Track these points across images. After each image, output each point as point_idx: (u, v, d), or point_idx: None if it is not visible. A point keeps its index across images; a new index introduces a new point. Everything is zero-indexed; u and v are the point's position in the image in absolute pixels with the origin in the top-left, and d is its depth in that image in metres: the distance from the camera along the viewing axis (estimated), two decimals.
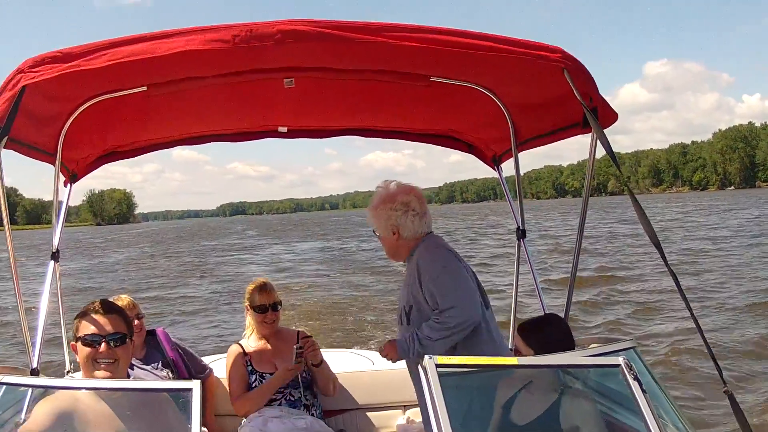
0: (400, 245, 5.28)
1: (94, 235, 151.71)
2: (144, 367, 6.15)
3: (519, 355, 4.40)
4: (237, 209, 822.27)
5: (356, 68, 4.74)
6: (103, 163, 6.52)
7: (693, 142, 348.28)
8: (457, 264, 5.09)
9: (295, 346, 6.05)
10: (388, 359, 5.34)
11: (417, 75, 4.95)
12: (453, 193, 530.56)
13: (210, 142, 6.64)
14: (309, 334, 6.42)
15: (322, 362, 6.26)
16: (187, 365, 6.48)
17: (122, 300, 6.12)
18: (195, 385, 3.26)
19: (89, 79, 4.22)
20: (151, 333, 6.49)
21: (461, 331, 4.87)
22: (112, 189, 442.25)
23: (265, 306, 6.27)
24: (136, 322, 6.02)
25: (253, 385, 6.13)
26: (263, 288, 6.32)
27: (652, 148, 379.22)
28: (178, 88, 4.81)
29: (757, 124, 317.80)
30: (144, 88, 4.74)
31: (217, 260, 50.25)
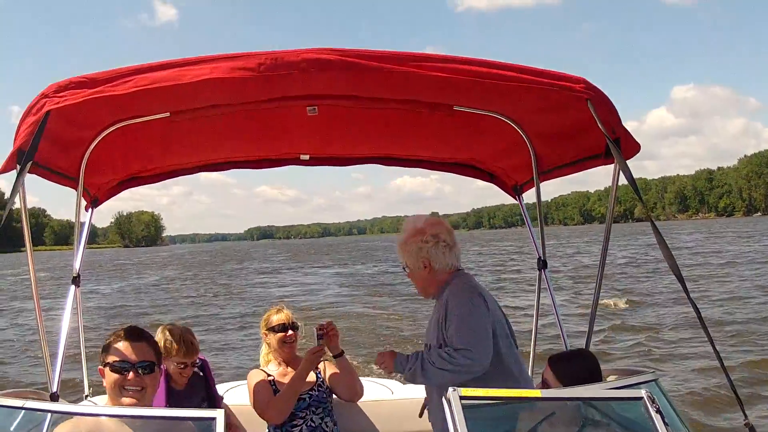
0: (431, 278, 5.16)
1: (127, 256, 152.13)
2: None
3: (546, 387, 4.38)
4: (265, 233, 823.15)
5: (380, 97, 4.73)
6: (125, 188, 6.54)
7: (719, 168, 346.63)
8: (484, 309, 4.95)
9: (315, 328, 6.04)
10: (382, 368, 5.30)
11: (440, 104, 4.95)
12: (481, 219, 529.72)
13: (232, 168, 6.65)
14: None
15: (342, 353, 6.25)
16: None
17: (184, 341, 5.80)
18: (219, 414, 3.22)
19: (113, 104, 4.26)
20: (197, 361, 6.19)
21: (466, 373, 4.76)
22: (140, 211, 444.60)
23: (285, 325, 6.26)
24: (180, 369, 5.78)
25: None
26: (280, 310, 6.35)
27: (678, 174, 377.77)
28: (201, 114, 4.83)
29: None
30: (167, 114, 4.77)
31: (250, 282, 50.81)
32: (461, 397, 3.05)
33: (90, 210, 6.26)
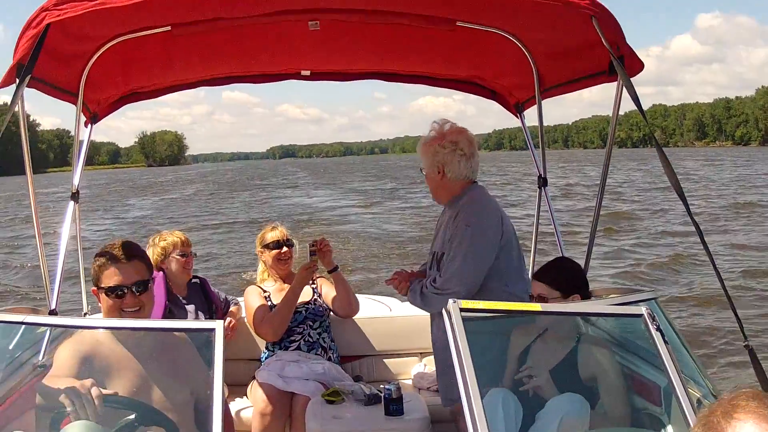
0: (443, 185, 5.16)
1: (155, 175, 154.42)
2: (188, 306, 6.10)
3: (543, 299, 4.35)
4: (287, 152, 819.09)
5: (381, 9, 4.68)
6: (125, 104, 6.49)
7: (737, 98, 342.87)
8: (491, 232, 4.96)
9: (308, 244, 6.10)
10: (397, 290, 5.37)
11: (443, 19, 4.89)
12: (502, 140, 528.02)
13: (232, 83, 6.62)
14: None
15: (337, 268, 6.31)
16: (224, 312, 6.45)
17: (176, 235, 6.16)
18: (218, 325, 3.20)
19: (114, 18, 4.22)
20: (197, 278, 6.39)
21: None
22: (163, 131, 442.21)
23: (280, 242, 6.35)
24: (183, 259, 6.04)
25: None
26: (275, 227, 6.44)
27: (697, 102, 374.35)
28: (202, 28, 4.77)
29: None
30: (168, 28, 4.72)
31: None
32: (461, 309, 3.04)
33: (89, 126, 6.19)
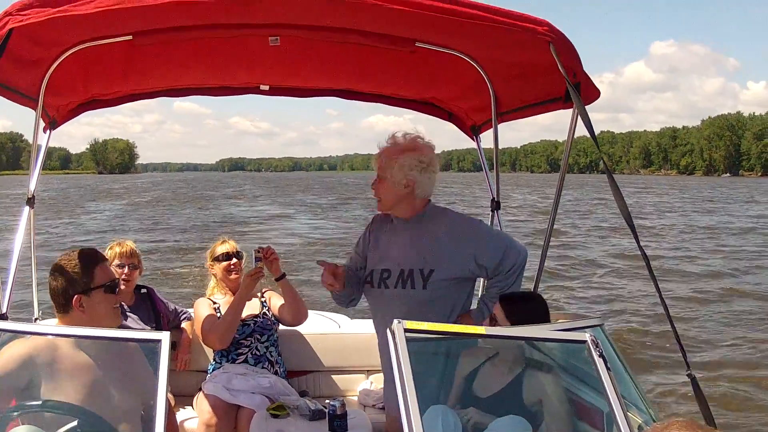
0: (407, 199, 4.95)
1: (105, 182, 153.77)
2: (132, 315, 6.13)
3: (494, 324, 4.39)
4: (236, 165, 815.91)
5: (341, 27, 4.70)
6: (84, 111, 6.49)
7: (684, 127, 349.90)
8: None
9: (253, 250, 6.04)
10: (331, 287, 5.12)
11: (402, 39, 4.93)
12: (450, 161, 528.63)
13: (192, 95, 6.63)
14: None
15: (284, 276, 6.24)
16: (170, 321, 6.49)
17: (125, 246, 6.19)
18: (164, 336, 3.22)
19: (76, 24, 4.21)
20: (144, 288, 6.45)
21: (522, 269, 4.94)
22: (115, 139, 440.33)
23: (229, 254, 6.38)
24: (120, 270, 6.03)
25: None
26: (224, 241, 6.47)
27: (645, 130, 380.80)
28: (163, 38, 4.80)
29: (745, 114, 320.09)
30: (129, 37, 4.73)
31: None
32: (405, 330, 3.06)
33: (48, 132, 6.19)
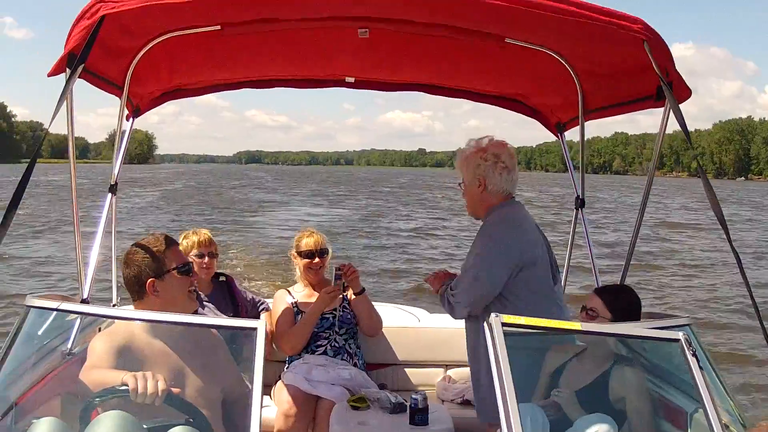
0: (482, 198, 5.06)
1: (130, 171, 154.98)
2: (209, 304, 6.13)
3: (593, 314, 4.42)
4: (253, 157, 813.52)
5: (432, 22, 4.66)
6: (167, 100, 6.52)
7: (696, 130, 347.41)
8: (509, 251, 4.86)
9: (335, 267, 6.11)
10: (430, 286, 5.36)
11: (492, 35, 4.90)
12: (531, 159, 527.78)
13: (276, 86, 6.58)
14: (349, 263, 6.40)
15: (364, 291, 6.31)
16: (248, 311, 6.46)
17: (202, 234, 6.20)
18: (260, 324, 3.19)
19: (166, 13, 4.22)
20: (222, 276, 6.46)
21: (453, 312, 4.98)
22: (134, 129, 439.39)
23: (312, 252, 6.34)
24: (198, 260, 6.07)
25: None
26: (312, 233, 6.41)
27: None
28: (251, 29, 4.81)
29: (756, 119, 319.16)
30: (218, 27, 4.74)
31: None
32: (503, 324, 3.06)
33: (131, 120, 6.26)
